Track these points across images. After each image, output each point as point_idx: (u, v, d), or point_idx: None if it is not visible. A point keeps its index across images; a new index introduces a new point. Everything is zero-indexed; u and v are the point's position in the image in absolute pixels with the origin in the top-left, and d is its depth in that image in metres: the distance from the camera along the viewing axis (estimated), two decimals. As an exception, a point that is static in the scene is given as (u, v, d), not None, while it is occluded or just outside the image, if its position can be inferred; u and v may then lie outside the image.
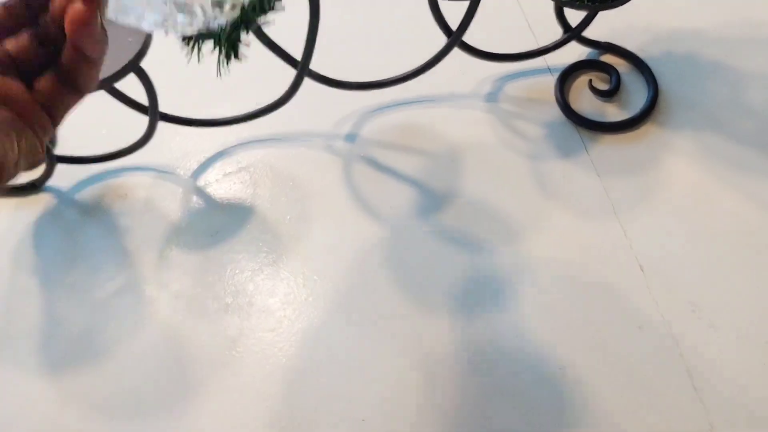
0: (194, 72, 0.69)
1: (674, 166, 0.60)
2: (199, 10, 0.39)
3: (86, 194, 0.65)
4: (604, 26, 0.65)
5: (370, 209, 0.61)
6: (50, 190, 0.66)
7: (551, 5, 0.56)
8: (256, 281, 0.58)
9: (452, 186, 0.61)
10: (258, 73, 0.68)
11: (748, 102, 0.62)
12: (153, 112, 0.58)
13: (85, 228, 0.63)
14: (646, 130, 0.61)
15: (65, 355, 0.57)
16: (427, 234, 0.58)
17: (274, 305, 0.57)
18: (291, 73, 0.59)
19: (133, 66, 0.52)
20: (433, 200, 0.60)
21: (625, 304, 0.54)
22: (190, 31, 0.39)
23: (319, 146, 0.65)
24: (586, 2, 0.54)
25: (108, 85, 0.52)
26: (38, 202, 0.65)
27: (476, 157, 0.62)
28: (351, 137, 0.65)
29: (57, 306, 0.59)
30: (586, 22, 0.59)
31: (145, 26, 0.37)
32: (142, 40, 0.52)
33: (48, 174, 0.63)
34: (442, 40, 0.59)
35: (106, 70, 0.51)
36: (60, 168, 0.64)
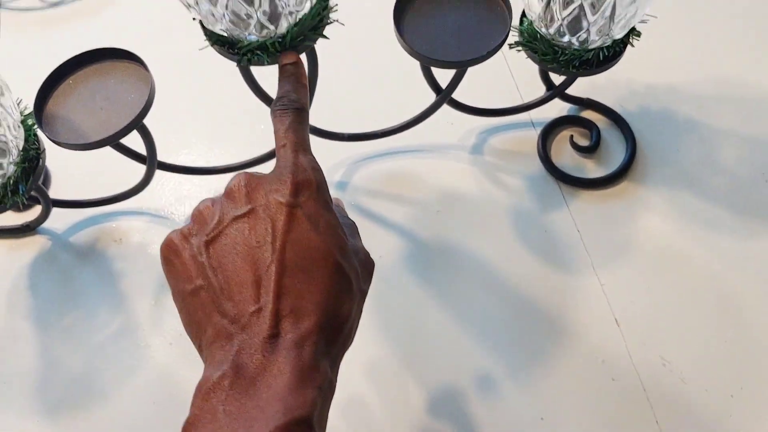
0: (190, 118, 0.72)
1: (650, 222, 0.63)
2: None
3: (81, 237, 0.66)
4: (586, 81, 0.69)
5: (360, 258, 0.63)
6: (45, 232, 0.67)
7: (536, 65, 0.59)
8: (249, 328, 0.60)
9: (439, 236, 0.63)
10: (253, 120, 0.70)
11: (720, 159, 0.66)
12: (151, 163, 0.59)
13: (80, 271, 0.64)
14: (624, 186, 0.64)
15: (61, 398, 0.58)
16: (415, 286, 0.61)
17: (267, 353, 0.58)
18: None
19: (137, 123, 0.53)
20: (420, 250, 0.63)
21: (601, 355, 0.57)
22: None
23: (310, 193, 0.67)
24: (567, 69, 0.57)
25: (113, 142, 0.53)
26: (33, 244, 0.66)
27: (462, 207, 0.65)
28: (341, 185, 0.67)
29: (52, 349, 0.61)
30: (568, 82, 0.62)
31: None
32: (145, 98, 0.54)
33: (44, 217, 0.65)
34: (431, 94, 0.62)
35: (112, 127, 0.53)
36: (54, 210, 0.65)
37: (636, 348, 0.57)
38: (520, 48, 0.58)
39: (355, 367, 0.57)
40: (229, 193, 0.38)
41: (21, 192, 0.56)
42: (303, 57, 0.52)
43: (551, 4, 0.52)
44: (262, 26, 0.45)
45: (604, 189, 0.64)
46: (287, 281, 0.35)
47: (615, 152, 0.66)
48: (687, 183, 0.65)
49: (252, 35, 0.46)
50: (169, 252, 0.38)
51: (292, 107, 0.40)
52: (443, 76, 0.59)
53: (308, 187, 0.37)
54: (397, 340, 0.58)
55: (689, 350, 0.57)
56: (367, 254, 0.41)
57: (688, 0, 0.76)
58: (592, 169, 0.66)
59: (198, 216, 0.38)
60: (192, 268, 0.37)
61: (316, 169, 0.39)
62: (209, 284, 0.36)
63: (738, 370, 0.56)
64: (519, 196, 0.65)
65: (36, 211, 0.66)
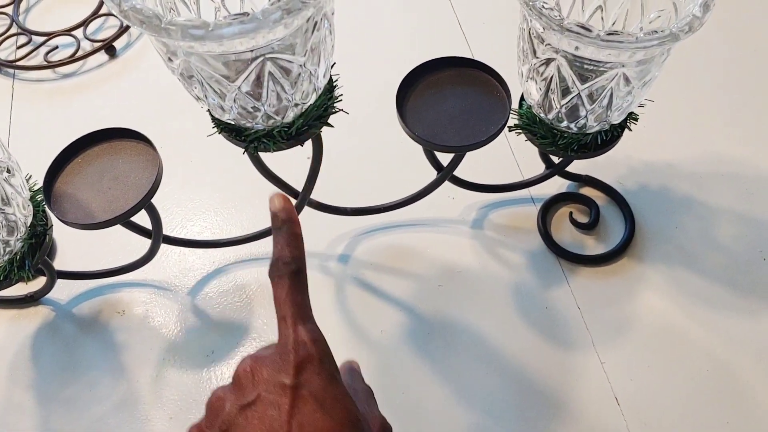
0: (195, 191, 0.73)
1: (649, 300, 0.63)
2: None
3: (84, 308, 0.67)
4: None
5: (361, 332, 0.63)
6: (48, 302, 0.67)
7: (535, 144, 0.61)
8: (249, 404, 0.60)
9: (440, 311, 0.64)
10: (258, 194, 0.71)
11: (718, 237, 0.67)
12: (156, 238, 0.60)
13: (82, 342, 0.65)
14: (624, 263, 0.65)
15: (59, 475, 0.58)
16: (416, 362, 0.61)
17: (267, 430, 0.58)
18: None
19: (145, 204, 0.55)
20: (421, 325, 0.63)
21: (603, 433, 0.57)
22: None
23: (313, 266, 0.67)
24: (565, 152, 0.58)
25: (120, 222, 0.54)
26: (36, 315, 0.67)
27: (462, 282, 0.65)
28: (344, 258, 0.68)
29: (52, 421, 0.61)
30: (566, 162, 0.63)
31: None
32: (153, 179, 0.55)
33: (48, 288, 0.65)
34: (433, 170, 0.63)
35: (119, 207, 0.54)
36: (58, 281, 0.66)
37: (636, 427, 0.57)
38: (519, 131, 0.60)
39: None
40: (236, 380, 0.37)
41: (27, 267, 0.57)
42: (308, 142, 0.54)
43: (549, 93, 0.54)
44: (269, 117, 0.46)
45: (604, 266, 0.65)
46: None
47: (614, 229, 0.67)
48: (686, 260, 0.65)
49: (259, 125, 0.48)
50: None
51: (288, 271, 0.38)
52: (445, 155, 0.60)
53: (310, 362, 0.36)
54: (397, 417, 0.58)
55: (690, 430, 0.57)
56: (383, 421, 0.40)
57: (684, 80, 0.78)
58: (592, 246, 0.66)
59: (210, 407, 0.37)
60: None
61: (318, 340, 0.37)
62: None
63: (739, 453, 0.56)
64: (519, 272, 0.65)
65: (40, 281, 0.66)
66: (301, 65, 0.43)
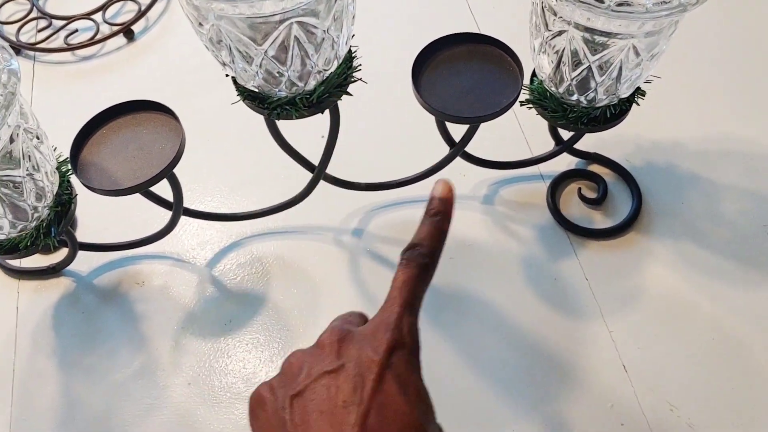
0: (214, 166, 0.75)
1: (656, 272, 0.65)
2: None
3: (104, 280, 0.68)
4: (593, 136, 0.71)
5: (375, 303, 0.64)
6: (69, 274, 0.69)
7: (545, 121, 0.62)
8: (266, 370, 0.62)
9: (451, 283, 0.66)
10: (276, 169, 0.73)
11: (723, 212, 0.68)
12: (177, 210, 0.62)
13: (103, 312, 0.66)
14: (631, 237, 0.67)
15: (82, 437, 0.60)
16: (427, 331, 0.63)
17: (285, 394, 0.60)
18: (303, 169, 0.64)
19: (168, 172, 0.56)
20: (433, 296, 0.65)
21: (609, 400, 0.59)
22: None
23: (328, 240, 0.69)
24: (575, 125, 0.60)
25: (144, 189, 0.56)
26: (57, 286, 0.68)
27: (474, 255, 0.67)
28: (358, 232, 0.70)
29: (74, 388, 0.62)
30: (576, 138, 0.65)
31: None
32: (176, 149, 0.57)
33: (70, 259, 0.67)
34: (445, 147, 0.65)
35: (143, 175, 0.56)
36: (79, 253, 0.67)
37: (644, 394, 0.59)
38: (530, 106, 0.61)
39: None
40: (320, 344, 0.36)
41: (53, 234, 0.58)
42: (326, 112, 0.55)
43: (561, 66, 0.56)
44: (292, 84, 0.48)
45: (612, 239, 0.67)
46: None
47: (622, 204, 0.69)
48: (692, 234, 0.67)
49: (282, 91, 0.49)
50: (256, 404, 0.37)
51: (420, 261, 0.39)
52: (457, 130, 0.62)
53: (403, 348, 0.36)
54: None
55: (697, 397, 0.58)
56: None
57: (691, 59, 0.80)
58: (600, 221, 0.68)
59: (287, 368, 0.37)
60: (275, 423, 0.35)
61: (415, 333, 0.37)
62: None
63: (745, 416, 0.57)
64: (529, 245, 0.67)
65: (61, 253, 0.68)
66: (324, 30, 0.45)
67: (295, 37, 0.44)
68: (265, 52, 0.45)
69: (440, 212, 0.40)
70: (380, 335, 0.36)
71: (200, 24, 0.44)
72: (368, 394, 0.33)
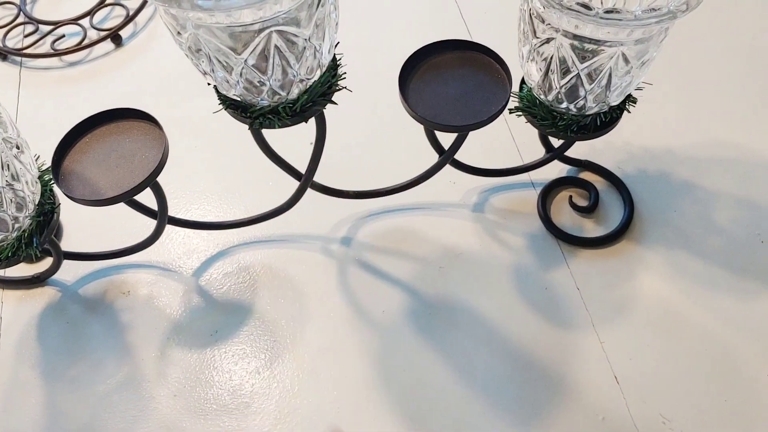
0: (200, 175, 0.74)
1: (648, 281, 0.64)
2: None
3: (90, 289, 0.68)
4: (584, 143, 0.71)
5: (364, 313, 0.64)
6: (54, 283, 0.68)
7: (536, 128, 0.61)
8: (253, 382, 0.61)
9: (441, 292, 0.65)
10: (262, 178, 0.72)
11: (716, 220, 0.67)
12: (162, 219, 0.61)
13: (87, 323, 0.65)
14: (622, 246, 0.66)
15: (65, 450, 0.59)
16: (417, 341, 0.62)
17: (270, 407, 0.59)
18: (290, 177, 0.63)
19: (151, 181, 0.55)
20: (422, 305, 0.64)
21: (601, 412, 0.58)
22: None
23: (316, 249, 0.68)
24: (565, 133, 0.59)
25: (127, 198, 0.55)
26: (42, 295, 0.68)
27: (464, 265, 0.66)
28: (346, 240, 0.69)
29: (58, 399, 0.61)
30: (566, 146, 0.64)
31: None
32: (159, 157, 0.56)
33: (54, 269, 0.66)
34: (434, 154, 0.64)
35: (126, 184, 0.55)
36: (64, 262, 0.66)
37: (636, 406, 0.58)
38: (520, 113, 0.60)
39: (356, 422, 0.58)
40: None
41: (35, 244, 0.58)
42: (311, 121, 0.55)
43: (550, 73, 0.55)
44: (274, 93, 0.47)
45: (603, 248, 0.66)
46: None
47: (613, 212, 0.68)
48: (684, 243, 0.66)
49: (264, 100, 0.49)
50: None
51: None
52: (446, 137, 0.61)
53: None
54: (399, 394, 0.59)
55: (689, 408, 0.57)
56: None
57: (682, 67, 0.79)
58: (591, 229, 0.67)
59: None
60: None
61: None
62: None
63: (737, 428, 0.56)
64: (520, 254, 0.66)
65: (46, 263, 0.67)
66: (306, 39, 0.44)
67: (276, 46, 0.43)
68: (245, 61, 0.44)
69: None
70: None
71: (179, 33, 0.44)
72: None
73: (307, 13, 0.43)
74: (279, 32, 0.42)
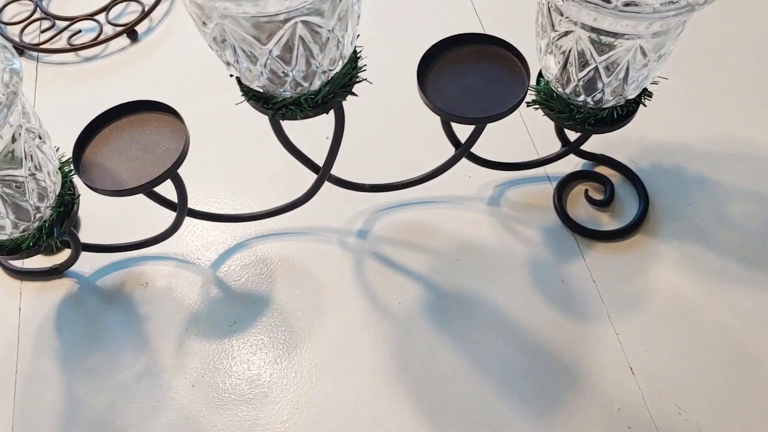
0: (218, 167, 0.74)
1: (663, 274, 0.64)
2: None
3: (108, 281, 0.68)
4: (600, 138, 0.71)
5: (380, 305, 0.65)
6: (73, 275, 0.69)
7: (552, 122, 0.62)
8: (270, 372, 0.61)
9: (457, 284, 0.65)
10: (279, 171, 0.73)
11: (730, 214, 0.68)
12: (181, 211, 0.62)
13: (106, 314, 0.66)
14: (638, 239, 0.66)
15: (84, 439, 0.59)
16: (433, 333, 0.62)
17: (288, 397, 0.60)
18: (307, 170, 0.64)
19: (172, 172, 0.56)
20: (438, 298, 0.65)
21: (617, 403, 0.58)
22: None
23: (332, 241, 0.69)
24: (582, 126, 0.59)
25: (147, 189, 0.56)
26: (61, 287, 0.68)
27: (479, 257, 0.67)
28: (362, 233, 0.69)
29: (77, 389, 0.62)
30: (583, 139, 0.65)
31: None
32: (180, 149, 0.56)
33: (72, 260, 0.67)
34: (450, 148, 0.64)
35: (147, 175, 0.56)
36: (82, 254, 0.67)
37: (652, 396, 0.58)
38: (537, 106, 0.61)
39: (372, 413, 0.58)
40: None
41: (55, 235, 0.58)
42: (330, 113, 0.55)
43: (568, 66, 0.55)
44: (297, 84, 0.48)
45: (619, 241, 0.66)
46: None
47: (628, 206, 0.68)
48: (698, 236, 0.67)
49: (287, 92, 0.49)
50: None
51: None
52: (462, 131, 0.61)
53: None
54: (415, 386, 0.60)
55: (704, 399, 0.58)
56: None
57: (697, 61, 0.79)
58: (607, 222, 0.68)
59: None
60: None
61: None
62: None
63: (753, 419, 0.57)
64: (536, 247, 0.67)
65: (64, 254, 0.68)
66: (329, 30, 0.45)
67: (300, 36, 0.44)
68: (270, 51, 0.44)
69: None
70: None
71: (204, 23, 0.44)
72: None
73: (332, 5, 0.43)
74: (304, 23, 0.43)
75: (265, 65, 0.46)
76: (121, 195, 0.56)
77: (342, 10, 0.45)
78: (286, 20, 0.42)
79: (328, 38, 0.45)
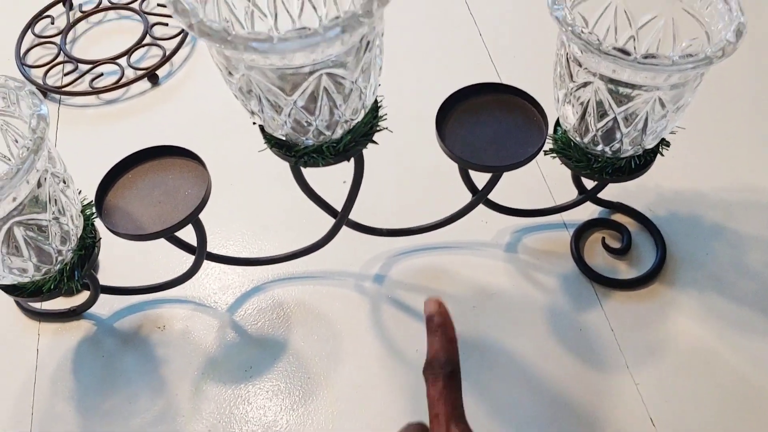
0: (237, 211, 0.75)
1: (682, 323, 0.64)
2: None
3: (125, 323, 0.68)
4: (616, 185, 0.71)
5: (397, 351, 0.64)
6: (90, 317, 0.69)
7: (568, 169, 0.62)
8: (287, 419, 0.61)
9: (474, 332, 0.65)
10: (297, 215, 0.73)
11: (749, 264, 0.68)
12: (200, 254, 0.62)
13: (123, 356, 0.66)
14: (656, 288, 0.66)
15: (99, 485, 0.59)
16: (451, 379, 0.62)
17: (304, 444, 0.59)
18: (324, 214, 0.64)
19: (194, 217, 0.56)
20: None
21: (638, 455, 0.58)
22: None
23: (349, 286, 0.69)
24: (600, 175, 0.60)
25: (169, 234, 0.56)
26: (78, 329, 0.68)
27: (497, 304, 0.66)
28: (379, 278, 0.69)
29: (92, 433, 0.62)
30: (599, 187, 0.65)
31: None
32: (202, 194, 0.57)
33: (91, 302, 0.67)
34: (467, 193, 0.64)
35: (169, 220, 0.56)
36: (100, 296, 0.67)
37: (672, 450, 0.57)
38: (554, 155, 0.61)
39: (391, 462, 0.58)
40: None
41: (76, 278, 0.59)
42: (351, 161, 0.56)
43: (586, 116, 0.56)
44: (320, 133, 0.49)
45: (637, 290, 0.66)
46: None
47: (646, 254, 0.68)
48: (717, 286, 0.66)
49: (309, 140, 0.50)
50: None
51: (443, 373, 0.40)
52: (480, 177, 0.62)
53: None
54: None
55: (725, 454, 0.57)
56: None
57: (714, 110, 0.80)
58: (624, 270, 0.67)
59: None
60: None
61: None
62: None
63: (775, 476, 0.56)
64: (553, 295, 0.66)
65: (83, 296, 0.68)
66: (353, 81, 0.45)
67: (324, 87, 0.44)
68: (295, 102, 0.45)
69: (441, 325, 0.41)
70: None
71: (230, 73, 0.45)
72: None
73: (355, 58, 0.44)
74: (329, 75, 0.44)
75: (289, 115, 0.46)
76: (142, 239, 0.57)
77: (365, 62, 0.45)
78: (311, 72, 0.43)
79: (352, 89, 0.46)
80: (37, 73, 0.90)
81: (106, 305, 0.69)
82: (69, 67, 0.90)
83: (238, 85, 0.45)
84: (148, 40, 0.92)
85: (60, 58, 0.91)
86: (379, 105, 0.55)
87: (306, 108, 0.46)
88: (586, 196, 0.67)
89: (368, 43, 0.45)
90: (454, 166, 0.61)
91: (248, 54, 0.40)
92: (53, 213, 0.54)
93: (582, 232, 0.70)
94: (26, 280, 0.57)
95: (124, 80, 0.88)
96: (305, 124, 0.47)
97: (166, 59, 0.90)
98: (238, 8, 0.49)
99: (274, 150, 0.53)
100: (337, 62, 0.44)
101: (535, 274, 0.68)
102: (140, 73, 0.88)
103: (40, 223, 0.53)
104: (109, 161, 0.61)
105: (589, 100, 0.55)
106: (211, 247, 0.66)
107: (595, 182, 0.63)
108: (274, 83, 0.44)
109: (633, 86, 0.52)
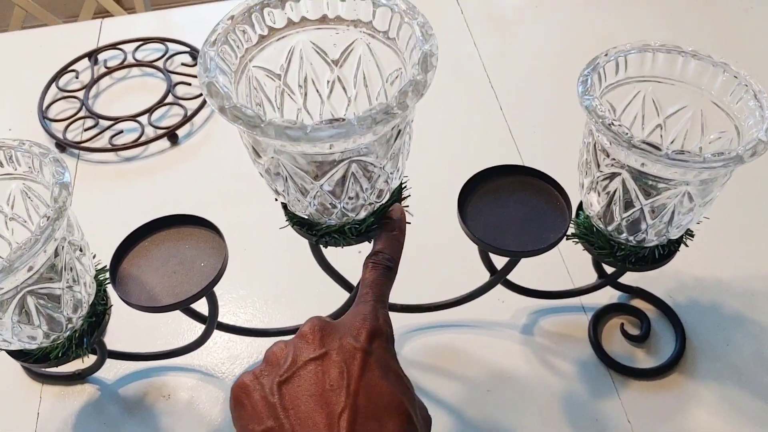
0: (248, 279, 0.74)
1: (701, 417, 0.62)
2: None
3: (130, 390, 0.67)
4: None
5: None
6: (94, 381, 0.67)
7: (588, 253, 0.61)
8: (292, 501, 0.59)
9: (488, 417, 0.63)
10: (310, 286, 0.72)
11: (769, 356, 0.66)
12: (210, 325, 0.61)
13: (125, 425, 0.64)
14: (674, 378, 0.65)
15: None
16: (463, 467, 0.60)
17: None
18: (338, 286, 0.63)
19: (208, 291, 0.56)
20: (468, 429, 0.62)
21: None
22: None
23: (360, 362, 0.67)
24: (623, 264, 0.59)
25: (182, 307, 0.55)
26: (82, 393, 0.67)
27: (512, 389, 0.65)
28: (391, 355, 0.68)
29: (89, 506, 0.60)
30: (620, 273, 0.64)
31: None
32: (218, 266, 0.56)
33: (97, 367, 0.65)
34: (484, 272, 0.63)
35: (183, 292, 0.55)
36: (106, 360, 0.66)
37: None
38: (577, 241, 0.60)
39: None
40: (302, 335, 0.40)
41: (85, 345, 0.57)
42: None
43: (612, 205, 0.55)
44: (344, 214, 0.48)
45: (655, 380, 0.64)
46: (359, 428, 0.36)
47: (665, 342, 0.67)
48: (737, 378, 0.65)
49: (332, 220, 0.49)
50: (241, 392, 0.39)
51: (384, 264, 0.45)
52: (499, 258, 0.61)
53: (381, 336, 0.40)
54: None
55: None
56: (426, 409, 0.43)
57: (737, 198, 0.79)
58: (642, 359, 0.66)
59: (271, 357, 0.40)
60: (263, 409, 0.37)
61: (389, 323, 0.42)
62: (280, 425, 0.36)
63: None
64: (570, 381, 0.65)
65: (89, 360, 0.66)
66: (381, 167, 0.45)
67: (353, 173, 0.44)
68: (321, 186, 0.44)
69: (399, 229, 0.48)
70: (359, 325, 0.40)
71: (258, 155, 0.45)
72: (355, 378, 0.37)
73: (386, 145, 0.44)
74: (358, 162, 0.43)
75: (315, 197, 0.46)
76: (155, 312, 0.56)
77: (395, 150, 0.45)
78: (341, 160, 0.43)
79: (379, 175, 0.46)
80: (57, 127, 0.90)
81: (111, 370, 0.68)
82: (90, 122, 0.91)
83: (266, 167, 0.45)
84: (170, 99, 0.93)
85: (82, 113, 0.92)
86: (403, 186, 0.54)
87: (332, 192, 0.45)
88: (605, 280, 0.66)
89: (399, 131, 0.44)
90: (471, 245, 0.60)
91: (279, 140, 0.40)
92: (68, 281, 0.53)
93: (600, 316, 0.68)
94: (34, 347, 0.56)
95: (143, 138, 0.88)
96: (330, 206, 0.47)
97: (187, 119, 0.90)
98: (269, 87, 0.49)
99: (296, 228, 0.52)
100: (368, 150, 0.43)
101: (551, 358, 0.67)
102: (160, 132, 0.89)
103: (53, 292, 0.52)
104: (124, 219, 0.60)
105: (615, 190, 0.54)
106: (221, 315, 0.65)
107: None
108: (302, 168, 0.43)
109: (662, 179, 0.52)
